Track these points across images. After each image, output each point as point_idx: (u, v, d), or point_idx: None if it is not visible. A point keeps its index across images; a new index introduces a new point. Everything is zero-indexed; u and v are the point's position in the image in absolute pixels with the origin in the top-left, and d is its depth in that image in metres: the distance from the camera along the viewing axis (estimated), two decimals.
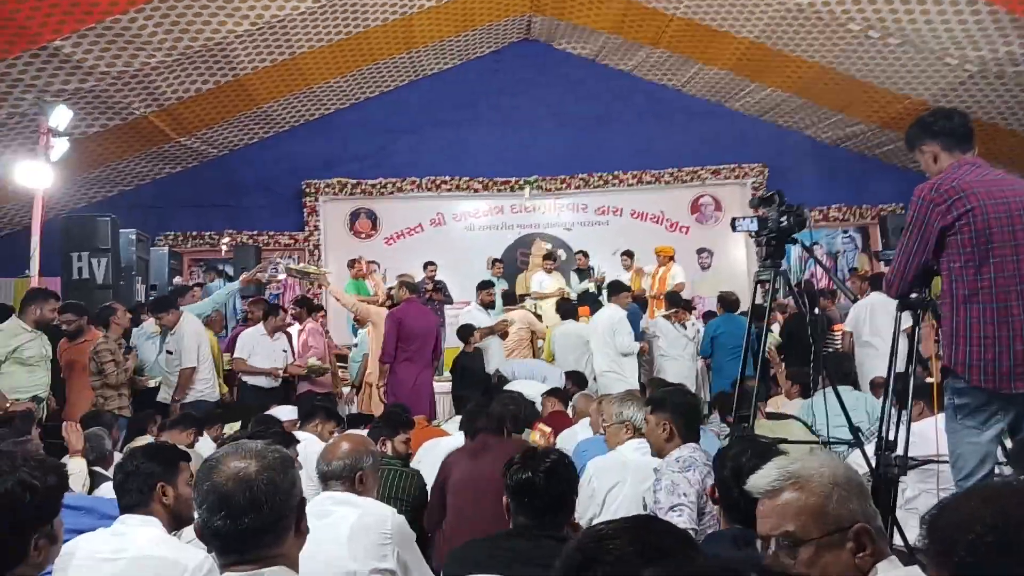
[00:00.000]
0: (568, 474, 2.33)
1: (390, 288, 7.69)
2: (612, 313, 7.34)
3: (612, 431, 3.45)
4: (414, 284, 6.87)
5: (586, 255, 9.95)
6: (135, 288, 8.13)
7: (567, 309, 7.98)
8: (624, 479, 3.32)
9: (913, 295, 2.92)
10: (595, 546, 1.14)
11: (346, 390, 7.71)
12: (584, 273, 9.80)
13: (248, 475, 1.47)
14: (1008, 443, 2.80)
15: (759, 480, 1.57)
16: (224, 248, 9.15)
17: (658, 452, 3.07)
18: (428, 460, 4.02)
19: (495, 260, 9.96)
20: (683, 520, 2.70)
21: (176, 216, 10.53)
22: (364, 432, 4.86)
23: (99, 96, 7.82)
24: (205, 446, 4.35)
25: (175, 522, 2.29)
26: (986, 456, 2.68)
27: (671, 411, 3.01)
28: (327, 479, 2.63)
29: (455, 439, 4.23)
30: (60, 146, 6.91)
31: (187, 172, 10.57)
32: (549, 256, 9.66)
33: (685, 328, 7.84)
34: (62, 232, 7.46)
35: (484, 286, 8.58)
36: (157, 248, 9.50)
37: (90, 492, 3.56)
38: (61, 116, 6.89)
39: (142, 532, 2.14)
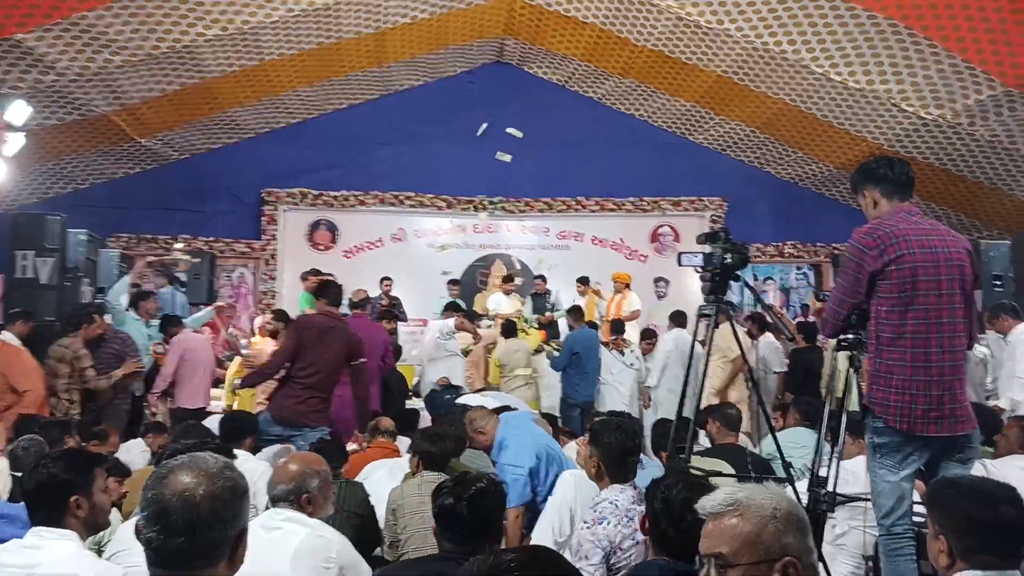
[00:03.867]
0: (495, 501, 2.34)
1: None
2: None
3: (588, 462, 3.49)
4: (356, 300, 6.84)
5: (544, 280, 10.00)
6: (81, 290, 7.95)
7: (508, 328, 8.09)
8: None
9: (850, 336, 3.00)
10: (498, 561, 1.17)
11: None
12: (541, 298, 9.87)
13: (192, 497, 1.46)
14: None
15: (707, 501, 1.63)
16: (177, 253, 9.01)
17: (592, 480, 3.09)
18: (375, 477, 3.99)
19: (452, 281, 9.94)
20: None
21: (131, 218, 10.35)
22: None
23: (60, 91, 7.70)
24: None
25: (90, 531, 2.24)
26: (902, 495, 2.76)
27: (601, 450, 3.00)
28: (275, 501, 2.66)
29: (401, 462, 4.22)
30: (15, 141, 6.78)
31: (145, 174, 10.41)
32: (509, 279, 9.70)
33: (623, 355, 7.93)
34: (9, 229, 7.29)
35: (449, 307, 8.55)
36: (108, 250, 9.31)
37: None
38: (18, 111, 6.76)
39: (56, 547, 2.07)
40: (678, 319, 7.85)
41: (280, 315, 7.46)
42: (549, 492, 3.69)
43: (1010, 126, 7.77)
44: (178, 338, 6.88)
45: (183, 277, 9.14)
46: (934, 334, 2.75)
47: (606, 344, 8.05)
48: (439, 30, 9.65)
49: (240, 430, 4.22)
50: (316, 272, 9.17)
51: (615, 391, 7.64)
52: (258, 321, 8.34)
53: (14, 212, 8.47)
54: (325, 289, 5.55)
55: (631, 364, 7.92)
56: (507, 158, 10.50)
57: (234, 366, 7.46)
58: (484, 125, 10.48)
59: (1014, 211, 9.26)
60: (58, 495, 2.18)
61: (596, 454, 2.99)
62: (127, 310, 7.02)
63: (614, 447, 2.98)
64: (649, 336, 8.17)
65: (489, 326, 8.99)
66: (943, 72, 7.39)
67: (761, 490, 1.61)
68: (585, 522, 2.81)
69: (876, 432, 2.82)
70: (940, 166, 8.83)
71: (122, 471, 3.79)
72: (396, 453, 4.46)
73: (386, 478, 4.03)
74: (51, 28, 6.77)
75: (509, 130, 10.50)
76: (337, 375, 5.32)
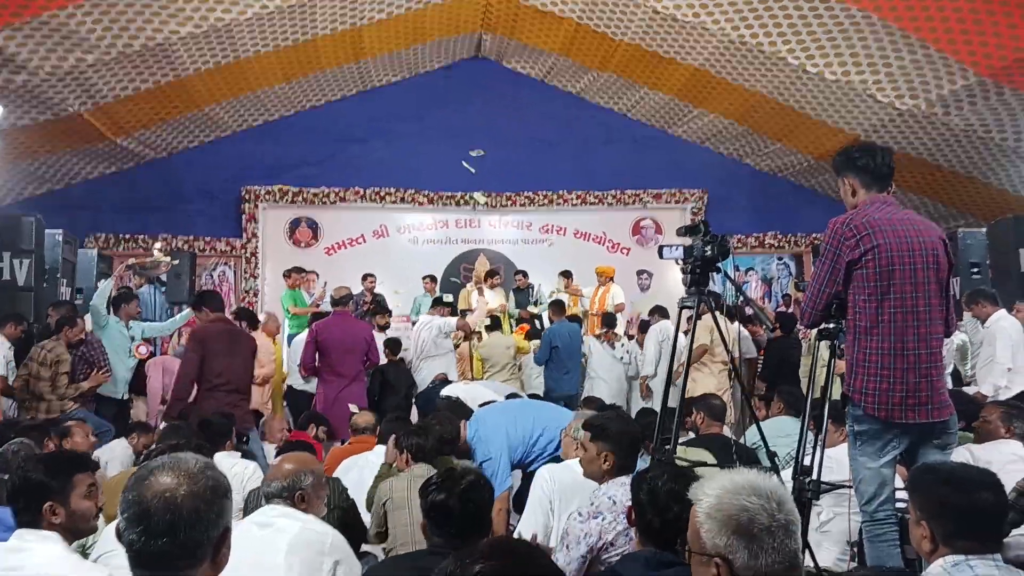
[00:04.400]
0: (483, 495, 2.35)
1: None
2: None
3: (567, 442, 3.53)
4: (335, 299, 6.81)
5: (525, 275, 10.00)
6: (59, 291, 7.86)
7: (493, 323, 8.09)
8: (575, 497, 3.35)
9: (831, 325, 3.03)
10: (467, 564, 1.19)
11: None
12: (523, 293, 9.87)
13: (173, 498, 1.45)
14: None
15: (693, 489, 1.70)
16: (156, 252, 8.92)
17: (594, 479, 3.06)
18: (348, 479, 3.98)
19: (427, 277, 9.90)
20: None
21: (108, 218, 10.25)
22: None
23: (31, 91, 7.59)
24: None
25: (72, 536, 2.21)
26: (883, 482, 2.81)
27: (614, 443, 2.99)
28: (268, 498, 2.70)
29: (378, 454, 4.21)
30: None
31: (122, 173, 10.30)
32: (492, 273, 9.69)
33: (614, 348, 7.97)
34: None
35: (438, 303, 8.54)
36: (86, 250, 9.21)
37: None
38: None
39: (40, 549, 2.05)
40: (662, 312, 7.89)
41: (242, 313, 7.39)
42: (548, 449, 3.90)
43: (984, 115, 7.87)
44: (154, 360, 6.98)
45: (163, 277, 9.06)
46: (911, 323, 2.79)
47: (597, 337, 8.07)
48: (416, 25, 9.60)
49: (220, 432, 4.21)
50: (299, 270, 9.14)
51: (602, 384, 7.66)
52: None
53: None
54: (203, 299, 5.57)
55: (620, 358, 7.95)
56: (479, 152, 10.48)
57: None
58: (479, 152, 10.52)
59: (989, 199, 9.38)
60: (34, 499, 2.15)
61: (607, 448, 2.98)
62: (108, 313, 6.94)
63: (625, 438, 3.00)
64: (647, 329, 8.16)
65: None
66: (917, 62, 7.46)
67: (715, 487, 1.62)
68: (579, 514, 2.82)
69: (856, 420, 2.87)
70: (916, 155, 8.92)
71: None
72: (370, 447, 4.46)
73: (361, 473, 4.03)
74: (20, 27, 6.67)
75: (472, 152, 10.54)
76: (249, 378, 5.47)
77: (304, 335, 7.06)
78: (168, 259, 7.85)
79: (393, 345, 7.47)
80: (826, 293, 2.94)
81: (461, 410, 5.88)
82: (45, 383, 5.78)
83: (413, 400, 7.29)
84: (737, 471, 1.68)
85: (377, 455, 4.22)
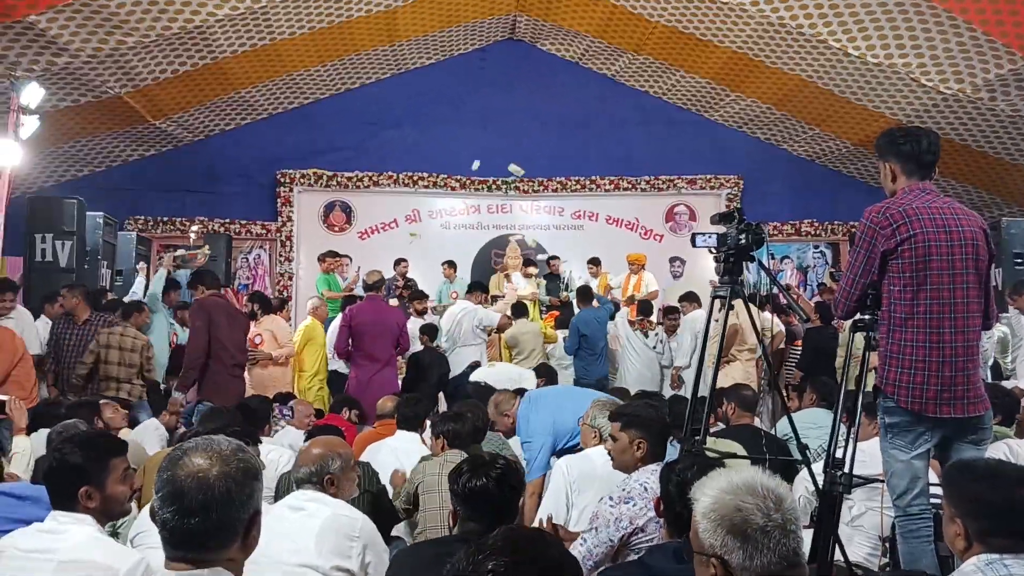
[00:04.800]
0: (517, 480, 2.37)
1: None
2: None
3: (585, 431, 3.53)
4: (367, 283, 6.87)
5: (557, 260, 9.94)
6: (100, 273, 8.03)
7: (518, 308, 8.04)
8: (591, 487, 3.36)
9: (866, 316, 2.97)
10: (480, 560, 1.21)
11: None
12: (555, 279, 9.83)
13: (206, 478, 1.49)
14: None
15: (693, 488, 1.71)
16: (193, 235, 9.06)
17: (624, 468, 3.06)
18: (378, 457, 4.02)
19: (447, 263, 9.84)
20: (580, 549, 2.76)
21: (147, 200, 10.42)
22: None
23: (73, 73, 7.72)
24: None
25: (105, 518, 2.23)
26: (915, 475, 2.75)
27: (645, 429, 2.99)
28: (299, 484, 2.75)
29: (398, 439, 4.25)
30: (30, 124, 6.82)
31: (160, 156, 10.46)
32: (529, 263, 9.69)
33: (647, 336, 7.91)
34: (27, 212, 7.36)
35: (476, 287, 8.51)
36: (125, 232, 9.39)
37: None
38: (33, 94, 6.79)
39: (74, 531, 2.07)
40: (692, 299, 7.81)
41: (255, 297, 7.53)
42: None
43: None
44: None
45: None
46: (947, 314, 2.73)
47: (631, 324, 8.03)
48: (450, 7, 9.58)
49: (259, 416, 4.28)
50: (333, 254, 9.22)
51: (635, 372, 7.62)
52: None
53: (32, 195, 8.55)
54: (199, 277, 5.76)
55: (654, 347, 7.90)
56: (520, 171, 10.44)
57: (299, 340, 7.35)
58: (477, 163, 10.45)
59: None
60: (69, 482, 2.17)
61: (639, 435, 2.99)
62: None
63: (655, 424, 3.00)
64: (672, 313, 8.11)
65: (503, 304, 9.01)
66: (963, 45, 7.25)
67: (714, 486, 1.62)
68: (610, 498, 2.83)
69: (887, 412, 2.81)
70: (960, 142, 8.70)
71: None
72: (391, 432, 4.50)
73: (376, 457, 4.07)
74: (63, 9, 6.78)
75: (511, 167, 10.46)
76: (245, 354, 5.68)
77: (338, 319, 7.15)
78: (207, 250, 8.04)
79: (430, 331, 7.50)
80: (861, 283, 2.88)
81: (490, 395, 5.92)
82: (121, 367, 5.86)
83: (443, 387, 7.31)
84: (738, 469, 1.68)
85: (397, 440, 4.26)
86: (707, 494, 1.60)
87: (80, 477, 2.17)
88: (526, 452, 4.08)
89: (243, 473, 1.53)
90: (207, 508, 1.47)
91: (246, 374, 6.27)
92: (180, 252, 8.01)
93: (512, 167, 10.43)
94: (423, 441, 4.35)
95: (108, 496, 2.20)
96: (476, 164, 10.42)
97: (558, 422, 4.11)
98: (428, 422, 4.49)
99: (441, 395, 7.02)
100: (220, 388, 5.28)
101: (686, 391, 7.20)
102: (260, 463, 1.63)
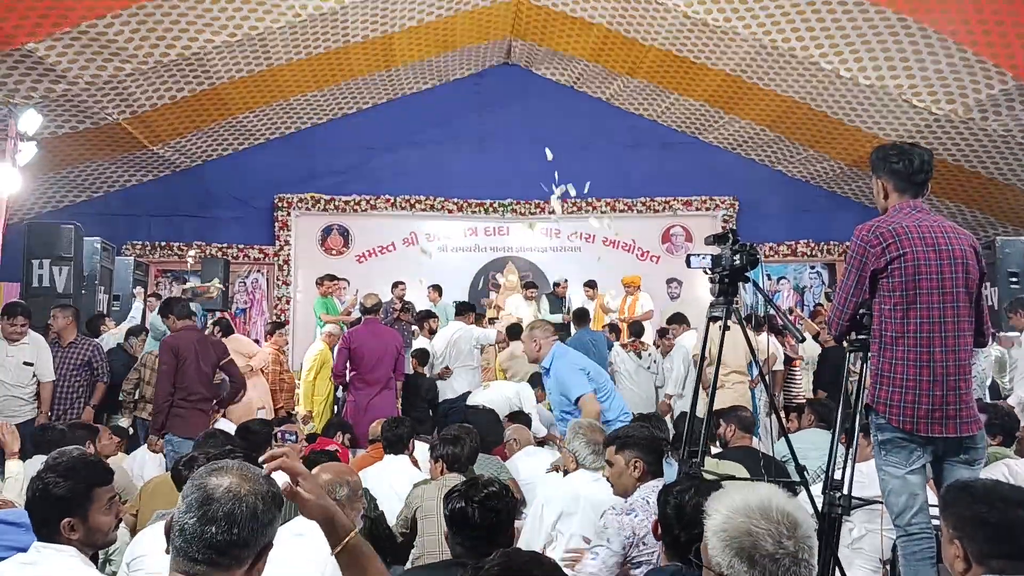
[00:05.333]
0: (505, 505, 2.34)
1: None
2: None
3: (564, 455, 3.53)
4: (364, 307, 6.86)
5: (566, 283, 9.86)
6: (97, 298, 8.01)
7: (514, 330, 7.95)
8: (575, 511, 3.35)
9: (862, 336, 2.97)
10: None
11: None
12: (560, 301, 9.81)
13: (238, 493, 1.50)
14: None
15: (709, 500, 1.71)
16: (191, 260, 9.07)
17: (624, 492, 3.06)
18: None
19: (432, 287, 9.78)
20: (593, 563, 2.77)
21: (144, 225, 10.44)
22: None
23: (71, 100, 7.77)
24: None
25: (88, 548, 2.17)
26: (913, 492, 2.73)
27: (639, 449, 3.02)
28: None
29: (386, 464, 4.23)
30: (28, 151, 6.84)
31: (158, 181, 10.49)
32: (531, 285, 9.69)
33: (641, 358, 7.90)
34: (25, 238, 7.36)
35: (466, 308, 8.47)
36: (123, 257, 9.39)
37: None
38: (31, 120, 6.81)
39: (57, 563, 2.03)
40: (679, 320, 7.79)
41: (218, 322, 7.60)
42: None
43: (1022, 120, 7.69)
44: None
45: (197, 283, 9.20)
46: (937, 333, 2.72)
47: (624, 346, 8.01)
48: (446, 32, 9.66)
49: (260, 440, 4.25)
50: (331, 277, 9.21)
51: (629, 394, 7.57)
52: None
53: (29, 221, 8.56)
54: (168, 306, 5.73)
55: (648, 367, 7.88)
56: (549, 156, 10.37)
57: (312, 367, 7.38)
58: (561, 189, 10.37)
59: None
60: (52, 513, 2.11)
61: (635, 455, 3.00)
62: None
63: (648, 442, 3.04)
64: (666, 333, 8.07)
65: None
66: (954, 66, 7.32)
67: (722, 504, 1.60)
68: (614, 508, 2.88)
69: (880, 429, 2.80)
70: (953, 162, 8.75)
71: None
72: (378, 457, 4.49)
73: (375, 482, 4.05)
74: (61, 37, 6.83)
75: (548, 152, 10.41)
76: (212, 385, 5.62)
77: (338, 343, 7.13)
78: (219, 285, 8.09)
79: (421, 356, 7.47)
80: (852, 303, 2.88)
81: (490, 418, 5.90)
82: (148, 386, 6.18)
83: (432, 412, 7.25)
84: (756, 487, 1.65)
85: (385, 464, 4.24)
86: (720, 511, 1.57)
87: (62, 508, 2.12)
88: (565, 375, 4.40)
89: (272, 498, 1.55)
90: (232, 520, 1.47)
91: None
92: (190, 285, 8.05)
93: (554, 201, 10.44)
94: (415, 463, 4.33)
95: (91, 527, 2.15)
96: (561, 190, 10.33)
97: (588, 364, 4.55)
98: (415, 443, 4.48)
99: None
100: (183, 422, 5.27)
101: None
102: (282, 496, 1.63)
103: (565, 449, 3.64)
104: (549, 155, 9.73)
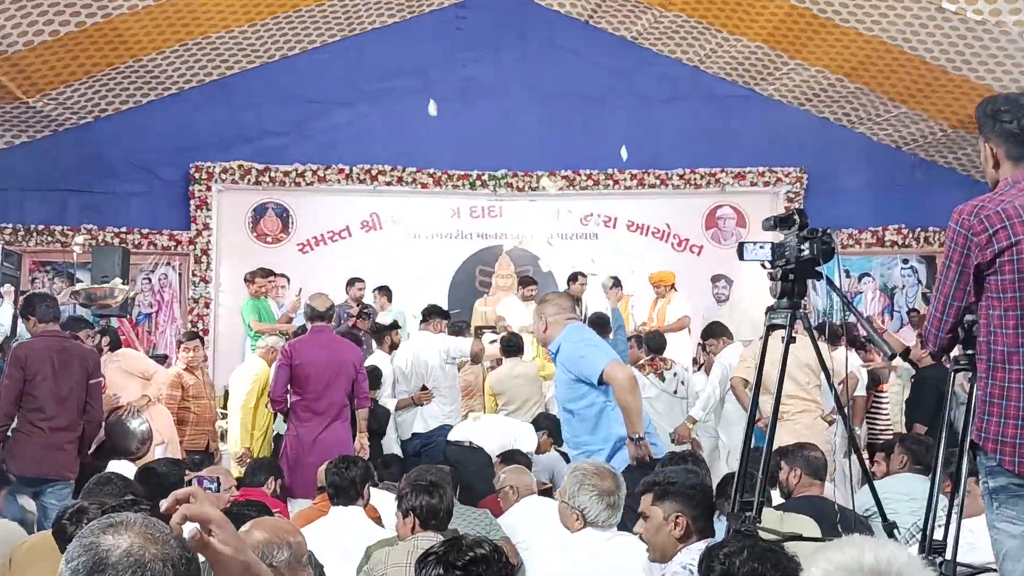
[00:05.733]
0: (497, 573, 2.34)
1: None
2: None
3: (563, 512, 3.51)
4: (315, 310, 6.81)
5: (584, 277, 9.74)
6: None
7: (511, 344, 7.96)
8: None
9: (969, 351, 2.98)
10: None
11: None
12: (576, 303, 9.77)
13: (141, 558, 1.49)
14: None
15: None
16: (77, 250, 9.05)
17: (662, 555, 3.08)
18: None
19: (378, 289, 9.75)
20: None
21: (16, 203, 10.43)
22: None
23: None
24: None
25: None
26: None
27: (684, 500, 3.02)
28: None
29: (332, 519, 4.25)
30: None
31: (34, 144, 10.48)
32: (529, 281, 9.66)
33: (664, 380, 7.84)
34: None
35: (434, 314, 8.45)
36: None
37: None
38: None
39: None
40: (715, 332, 7.77)
41: (105, 331, 7.56)
42: None
43: None
44: None
45: (85, 278, 9.17)
46: None
47: (640, 367, 7.95)
48: None
49: (167, 485, 4.25)
50: (265, 273, 9.20)
51: (654, 427, 7.54)
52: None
53: None
54: (30, 306, 5.73)
55: (674, 391, 7.82)
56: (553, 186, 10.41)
57: (252, 391, 7.41)
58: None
59: None
60: None
61: (676, 508, 3.00)
62: None
63: (698, 492, 3.02)
64: (710, 343, 8.02)
65: (494, 341, 8.95)
66: None
67: (853, 568, 1.60)
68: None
69: (990, 473, 2.79)
70: None
71: None
72: (322, 512, 4.49)
73: (319, 542, 4.06)
74: None
75: (544, 181, 10.44)
76: (80, 410, 5.62)
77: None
78: (126, 288, 8.02)
79: (371, 377, 7.46)
80: (954, 308, 2.85)
81: (479, 456, 5.89)
82: None
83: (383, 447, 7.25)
84: (873, 544, 1.64)
85: (331, 520, 4.25)
86: (821, 566, 1.58)
87: None
88: (581, 351, 4.61)
89: (186, 564, 1.53)
90: None
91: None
92: (82, 287, 8.00)
93: (546, 181, 10.44)
94: (376, 518, 4.33)
95: None
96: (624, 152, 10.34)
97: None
98: (372, 491, 4.48)
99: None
100: (28, 457, 5.29)
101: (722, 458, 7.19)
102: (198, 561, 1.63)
103: (564, 504, 3.63)
104: (432, 109, 9.77)
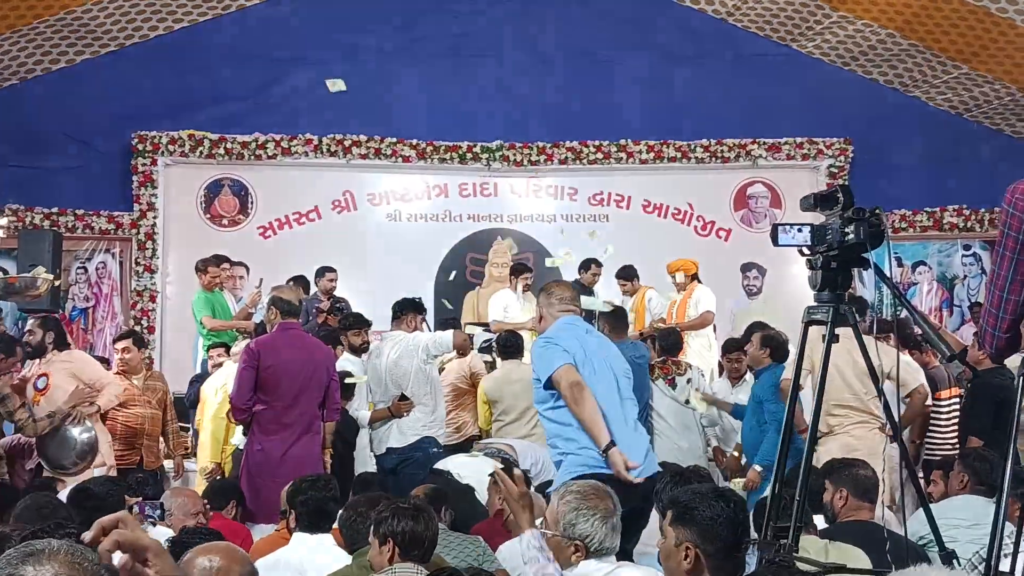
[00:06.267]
0: None
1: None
2: None
3: (555, 544, 3.47)
4: (290, 304, 6.80)
5: (598, 266, 9.71)
6: None
7: (509, 345, 7.90)
8: None
9: None
10: None
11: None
12: (588, 293, 9.75)
13: None
14: None
15: None
16: (1, 233, 9.04)
17: None
18: None
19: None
20: None
21: None
22: None
23: None
24: None
25: None
26: None
27: (699, 532, 2.96)
28: None
29: (295, 547, 4.28)
30: None
31: None
32: (522, 269, 9.64)
33: (674, 387, 7.76)
34: None
35: (407, 308, 8.42)
36: None
37: None
38: None
39: None
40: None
41: (47, 323, 7.37)
42: None
43: None
44: None
45: (8, 267, 9.18)
46: None
47: (651, 368, 7.92)
48: None
49: (102, 508, 4.26)
50: (219, 260, 9.19)
51: (667, 443, 7.53)
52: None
53: None
54: None
55: (685, 401, 7.77)
56: (339, 86, 10.16)
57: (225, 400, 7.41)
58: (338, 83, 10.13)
59: None
60: None
61: (689, 539, 2.98)
62: None
63: (718, 525, 2.99)
64: (735, 351, 7.95)
65: (488, 343, 8.93)
66: None
67: None
68: None
69: None
70: None
71: None
72: (285, 539, 4.51)
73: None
74: None
75: (330, 83, 10.20)
76: None
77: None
78: (51, 279, 7.97)
79: (344, 387, 7.45)
80: (1012, 303, 2.86)
81: (465, 495, 5.87)
82: None
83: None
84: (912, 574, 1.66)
85: (294, 548, 4.28)
86: None
87: None
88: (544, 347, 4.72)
89: None
90: None
91: None
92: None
93: (331, 82, 10.16)
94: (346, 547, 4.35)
95: None
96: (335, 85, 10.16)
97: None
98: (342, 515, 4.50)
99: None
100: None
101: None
102: None
103: (558, 538, 3.60)
104: (334, 86, 9.69)
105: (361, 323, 7.95)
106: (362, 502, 4.21)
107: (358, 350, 7.71)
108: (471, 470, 6.06)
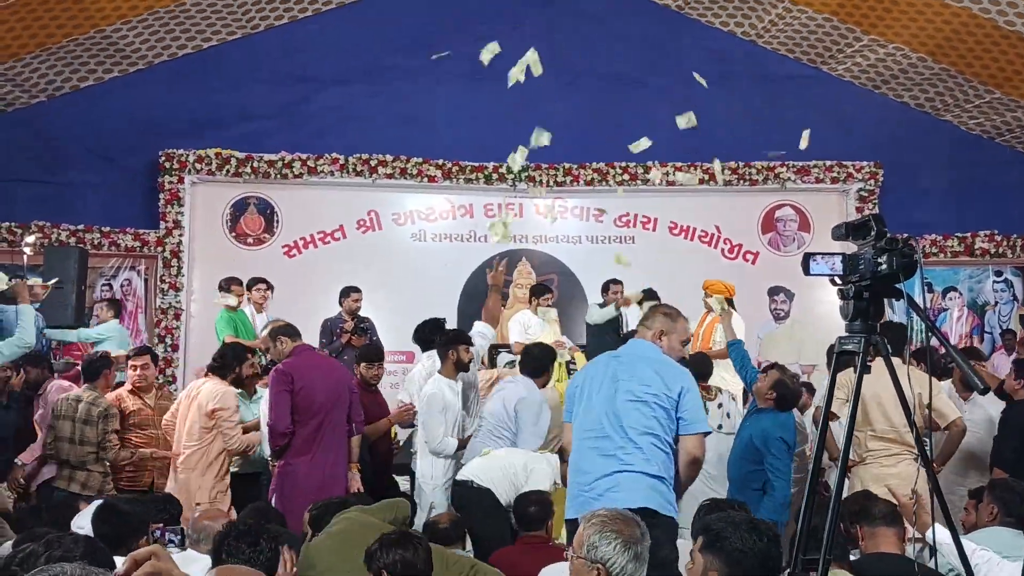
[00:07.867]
0: None
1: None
2: None
3: (578, 567, 3.44)
4: (295, 328, 6.76)
5: (620, 285, 9.59)
6: None
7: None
8: None
9: None
10: None
11: None
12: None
13: None
14: None
15: None
16: (28, 250, 9.09)
17: None
18: None
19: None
20: None
21: None
22: None
23: None
24: None
25: None
26: None
27: (726, 562, 2.98)
28: None
29: None
30: None
31: None
32: (542, 290, 9.62)
33: (707, 413, 7.71)
34: None
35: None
36: None
37: None
38: None
39: None
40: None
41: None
42: None
43: None
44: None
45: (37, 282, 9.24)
46: None
47: None
48: None
49: (130, 529, 4.27)
50: (241, 281, 9.24)
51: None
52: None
53: None
54: None
55: (719, 426, 7.74)
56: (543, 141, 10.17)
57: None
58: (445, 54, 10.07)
59: None
60: None
61: (715, 568, 2.98)
62: None
63: (748, 557, 2.98)
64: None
65: (511, 363, 8.93)
66: None
67: None
68: None
69: None
70: None
71: None
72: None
73: None
74: None
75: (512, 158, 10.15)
76: None
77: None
78: (43, 283, 7.99)
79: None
80: None
81: (486, 499, 5.88)
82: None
83: None
84: None
85: None
86: None
87: None
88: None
89: None
90: None
91: None
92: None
93: (514, 158, 10.28)
94: None
95: None
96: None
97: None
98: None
99: None
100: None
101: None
102: None
103: (580, 560, 3.55)
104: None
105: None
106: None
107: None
108: (485, 472, 6.11)
